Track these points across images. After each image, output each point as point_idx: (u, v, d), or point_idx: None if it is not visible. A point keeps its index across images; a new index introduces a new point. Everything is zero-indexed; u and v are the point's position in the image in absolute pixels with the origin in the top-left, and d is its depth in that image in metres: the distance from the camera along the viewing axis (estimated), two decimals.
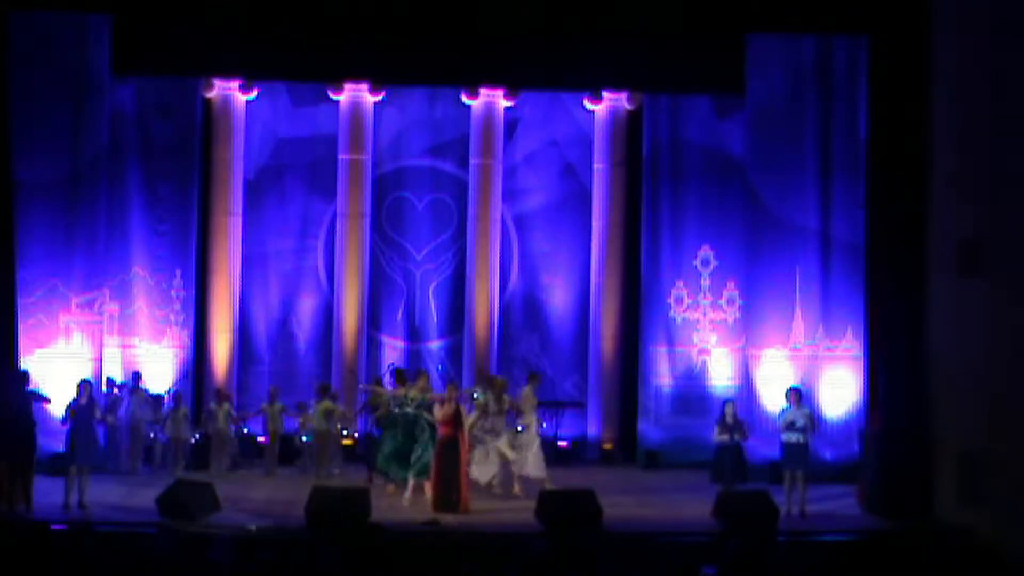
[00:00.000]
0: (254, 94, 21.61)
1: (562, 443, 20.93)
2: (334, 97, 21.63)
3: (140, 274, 21.08)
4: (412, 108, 22.39)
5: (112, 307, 20.66)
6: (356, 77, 21.27)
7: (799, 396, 17.46)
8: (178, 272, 21.20)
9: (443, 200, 22.41)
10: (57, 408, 17.38)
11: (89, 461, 16.88)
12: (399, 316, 22.35)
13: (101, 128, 19.80)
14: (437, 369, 21.83)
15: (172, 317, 21.16)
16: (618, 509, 16.65)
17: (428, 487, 17.11)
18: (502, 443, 17.97)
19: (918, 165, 17.69)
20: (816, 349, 19.99)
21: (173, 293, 21.17)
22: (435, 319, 22.37)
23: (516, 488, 17.94)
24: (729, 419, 17.78)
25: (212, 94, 21.39)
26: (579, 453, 21.48)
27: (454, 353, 22.25)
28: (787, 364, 19.97)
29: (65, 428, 16.88)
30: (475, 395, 18.55)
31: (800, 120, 20.14)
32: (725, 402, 18.31)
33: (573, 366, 22.35)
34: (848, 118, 19.94)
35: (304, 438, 19.92)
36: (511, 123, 22.21)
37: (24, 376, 17.17)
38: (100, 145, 19.79)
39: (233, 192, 21.55)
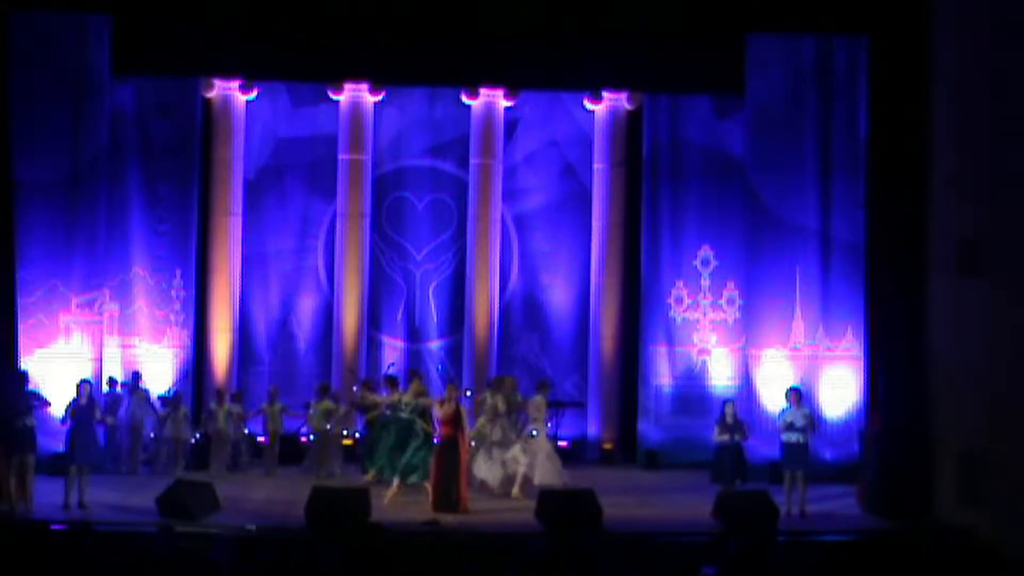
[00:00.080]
0: (254, 94, 21.61)
1: (562, 443, 20.88)
2: (334, 97, 21.63)
3: (140, 274, 21.08)
4: (412, 108, 22.39)
5: (112, 307, 20.67)
6: (356, 77, 21.27)
7: (799, 396, 17.46)
8: (178, 272, 21.21)
9: (443, 200, 22.41)
10: (57, 408, 17.38)
11: (89, 461, 16.89)
12: (399, 316, 22.35)
13: (101, 128, 19.81)
14: (437, 369, 21.84)
15: (172, 317, 21.16)
16: (618, 509, 16.65)
17: (428, 487, 17.10)
18: (516, 452, 17.92)
19: (918, 165, 17.70)
20: (816, 349, 19.99)
21: (173, 293, 21.17)
22: (435, 319, 22.37)
23: (516, 490, 17.91)
24: (729, 419, 17.79)
25: (212, 94, 21.39)
26: (579, 453, 21.48)
27: (454, 353, 22.25)
28: (787, 364, 19.98)
29: (65, 428, 16.89)
30: (467, 392, 18.52)
31: (800, 120, 20.15)
32: (725, 402, 18.31)
33: (573, 366, 22.35)
34: (848, 118, 19.95)
35: (313, 436, 19.86)
36: (511, 123, 22.21)
37: (24, 376, 17.19)
38: (100, 145, 19.79)
39: (233, 192, 21.55)
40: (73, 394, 16.84)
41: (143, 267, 21.10)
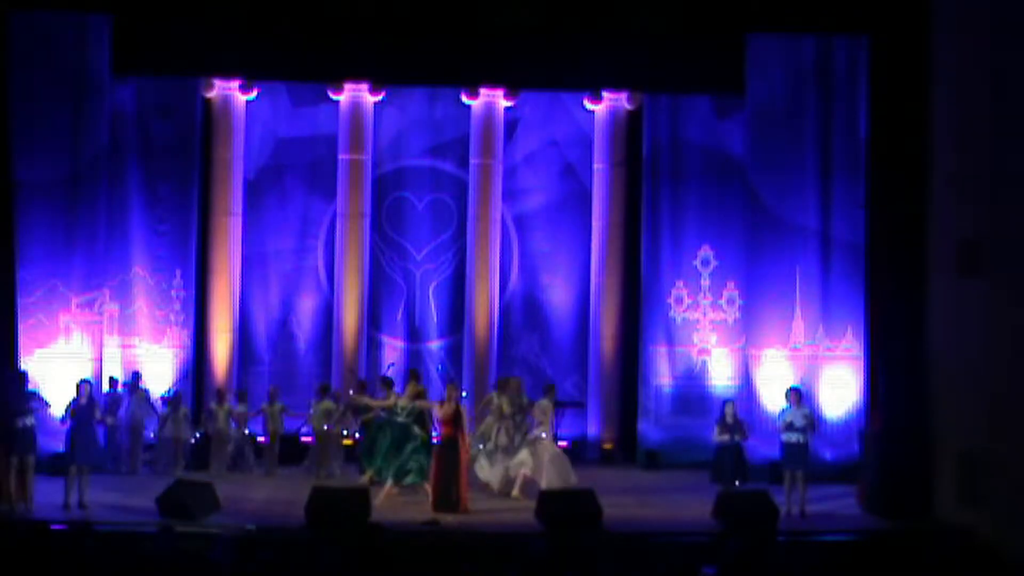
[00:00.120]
0: (254, 94, 21.61)
1: (562, 443, 20.83)
2: (334, 97, 21.62)
3: (140, 274, 21.08)
4: (412, 108, 22.39)
5: (112, 307, 20.66)
6: (356, 77, 21.26)
7: (799, 396, 17.47)
8: (178, 272, 21.20)
9: (443, 200, 22.41)
10: (57, 408, 17.39)
11: (89, 461, 16.89)
12: (399, 316, 22.35)
13: (101, 128, 19.81)
14: (437, 369, 21.84)
15: (172, 317, 21.16)
16: (618, 509, 16.65)
17: (427, 488, 17.10)
18: (522, 456, 17.88)
19: (918, 165, 17.70)
20: (816, 349, 19.99)
21: (173, 293, 21.17)
22: (435, 319, 22.37)
23: (516, 491, 17.91)
24: (729, 419, 17.80)
25: (212, 94, 21.39)
26: (579, 453, 21.43)
27: (454, 353, 22.25)
28: (787, 364, 19.98)
29: (65, 428, 16.89)
30: (464, 394, 18.48)
31: (800, 120, 20.15)
32: (725, 402, 18.33)
33: (573, 366, 22.34)
34: (848, 118, 19.95)
35: (326, 427, 19.76)
36: (511, 123, 22.21)
37: (23, 377, 17.19)
38: (100, 145, 19.80)
39: (233, 192, 21.55)
40: (73, 394, 16.84)
41: (143, 267, 21.10)
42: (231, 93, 21.40)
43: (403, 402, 17.60)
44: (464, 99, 21.80)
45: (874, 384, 18.54)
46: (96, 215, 19.79)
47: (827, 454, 19.47)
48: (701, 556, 12.92)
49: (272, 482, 19.30)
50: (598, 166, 22.14)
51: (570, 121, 22.48)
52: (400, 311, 22.33)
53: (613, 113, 21.96)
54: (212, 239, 21.45)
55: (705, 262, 21.66)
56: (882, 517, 17.06)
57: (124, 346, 20.87)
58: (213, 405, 20.16)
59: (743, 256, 20.66)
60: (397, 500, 17.28)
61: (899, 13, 17.95)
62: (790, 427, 17.16)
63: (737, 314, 21.39)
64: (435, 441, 17.58)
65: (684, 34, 20.03)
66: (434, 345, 22.37)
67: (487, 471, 18.20)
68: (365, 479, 17.97)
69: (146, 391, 20.14)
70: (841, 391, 19.87)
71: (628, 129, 21.99)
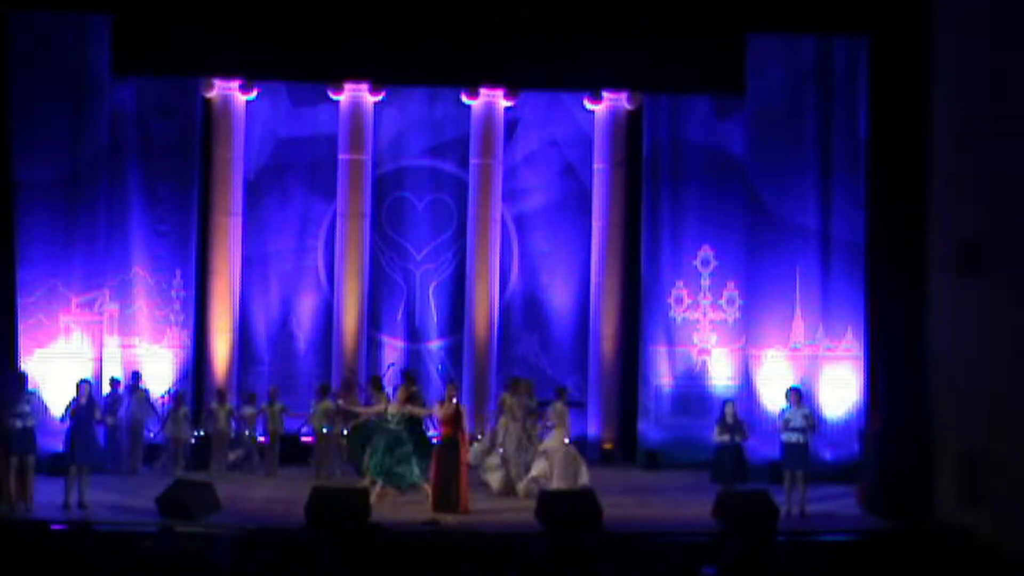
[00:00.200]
0: (254, 94, 21.60)
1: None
2: (334, 97, 21.62)
3: (140, 274, 21.07)
4: (412, 108, 22.38)
5: (112, 307, 20.65)
6: (356, 77, 21.26)
7: (799, 396, 17.47)
8: (178, 272, 21.19)
9: (443, 200, 22.41)
10: (57, 408, 17.38)
11: (89, 461, 16.90)
12: (399, 316, 22.35)
13: (101, 128, 19.81)
14: (437, 369, 21.86)
15: (172, 317, 21.15)
16: (618, 509, 16.65)
17: (427, 488, 17.09)
18: (540, 471, 17.83)
19: (918, 165, 17.71)
20: (816, 349, 19.99)
21: (173, 293, 21.16)
22: (435, 319, 22.37)
23: (522, 492, 17.90)
24: (729, 419, 17.79)
25: (212, 94, 21.38)
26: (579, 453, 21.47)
27: (454, 353, 22.24)
28: (787, 364, 19.98)
29: (65, 428, 16.89)
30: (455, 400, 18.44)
31: (800, 120, 20.15)
32: (725, 402, 18.33)
33: (573, 366, 22.34)
34: (848, 118, 19.95)
35: (324, 429, 19.76)
36: (511, 123, 22.20)
37: (23, 377, 17.18)
38: (100, 145, 19.80)
39: (233, 192, 21.55)
40: (73, 394, 16.84)
41: (143, 267, 21.09)
42: (231, 93, 21.39)
43: (393, 408, 17.49)
44: (464, 99, 21.79)
45: (874, 384, 18.55)
46: (96, 215, 19.79)
47: (827, 454, 19.46)
48: (701, 556, 12.92)
49: (272, 482, 19.30)
50: (598, 166, 22.13)
51: (570, 121, 22.47)
52: (400, 311, 22.33)
53: (613, 113, 21.96)
54: (212, 239, 21.45)
55: (705, 262, 21.66)
56: (882, 517, 17.07)
57: (124, 346, 20.86)
58: (213, 405, 20.16)
59: (743, 256, 20.66)
60: (397, 500, 17.28)
61: (899, 13, 17.96)
62: (790, 427, 17.16)
63: (737, 314, 21.38)
64: (434, 441, 17.58)
65: (684, 34, 20.03)
66: (434, 345, 22.36)
67: (491, 473, 18.21)
68: (366, 483, 17.93)
69: (146, 391, 20.13)
70: (841, 391, 19.86)
71: (628, 129, 21.99)
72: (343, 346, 21.57)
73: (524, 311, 22.46)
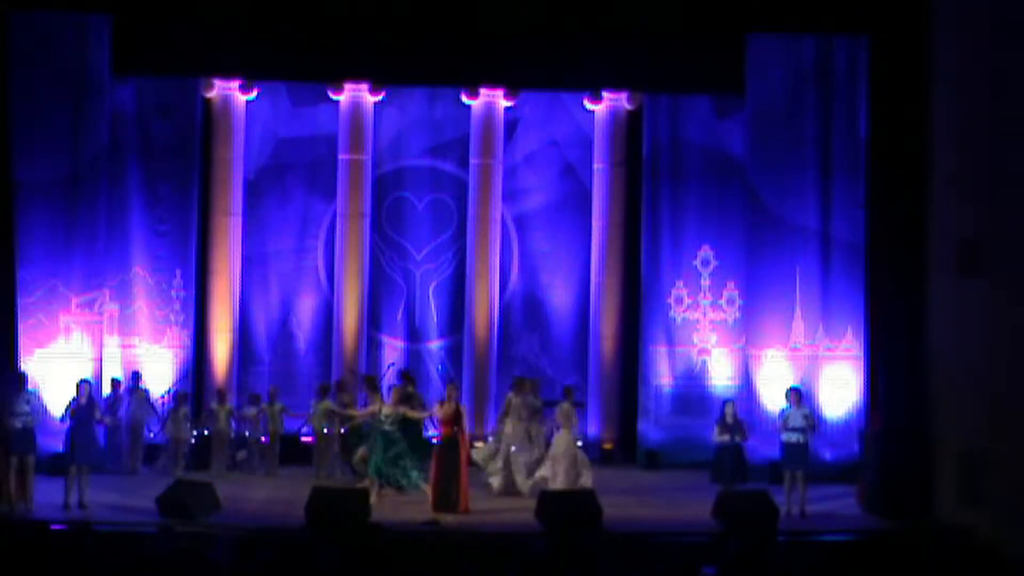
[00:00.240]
0: (254, 94, 21.60)
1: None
2: (334, 97, 21.62)
3: (140, 274, 21.07)
4: (412, 108, 22.38)
5: (112, 307, 20.65)
6: (356, 77, 21.26)
7: (799, 396, 17.47)
8: (178, 272, 21.19)
9: (443, 200, 22.41)
10: (57, 408, 17.38)
11: (89, 461, 16.90)
12: (399, 316, 22.35)
13: (101, 128, 19.81)
14: (437, 369, 21.86)
15: (172, 317, 21.15)
16: (618, 509, 16.65)
17: (428, 488, 17.09)
18: (545, 472, 17.84)
19: (918, 165, 17.71)
20: (816, 349, 19.99)
21: (173, 293, 21.16)
22: (435, 319, 22.37)
23: (526, 490, 17.92)
24: (729, 419, 17.79)
25: (212, 94, 21.38)
26: None
27: (454, 353, 22.25)
28: (787, 364, 19.97)
29: (65, 428, 16.89)
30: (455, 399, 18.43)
31: (800, 120, 20.15)
32: (725, 402, 18.33)
33: (573, 366, 22.33)
34: (848, 118, 19.95)
35: (324, 429, 19.72)
36: (511, 123, 22.21)
37: (23, 378, 17.18)
38: (100, 145, 19.80)
39: (233, 192, 21.55)
40: (73, 394, 16.84)
41: (143, 267, 21.09)
42: (231, 93, 21.39)
43: (387, 409, 17.47)
44: (464, 99, 21.79)
45: (874, 384, 18.54)
46: (96, 215, 19.80)
47: (827, 454, 19.47)
48: (701, 556, 12.92)
49: (272, 482, 19.30)
50: (598, 166, 22.13)
51: (570, 121, 22.47)
52: (400, 311, 22.33)
53: (613, 113, 21.96)
54: (212, 239, 21.45)
55: (705, 262, 21.66)
56: (882, 517, 17.07)
57: (124, 346, 20.86)
58: (214, 405, 20.16)
59: (743, 256, 20.66)
60: (397, 500, 17.28)
61: (899, 13, 17.96)
62: (790, 427, 17.16)
63: (737, 314, 21.38)
64: (434, 441, 17.58)
65: (684, 34, 20.03)
66: (434, 345, 22.36)
67: (494, 474, 18.21)
68: (366, 483, 17.93)
69: (146, 391, 20.14)
70: (841, 391, 19.87)
71: (628, 129, 21.98)
72: (343, 346, 21.57)
73: (524, 311, 22.47)
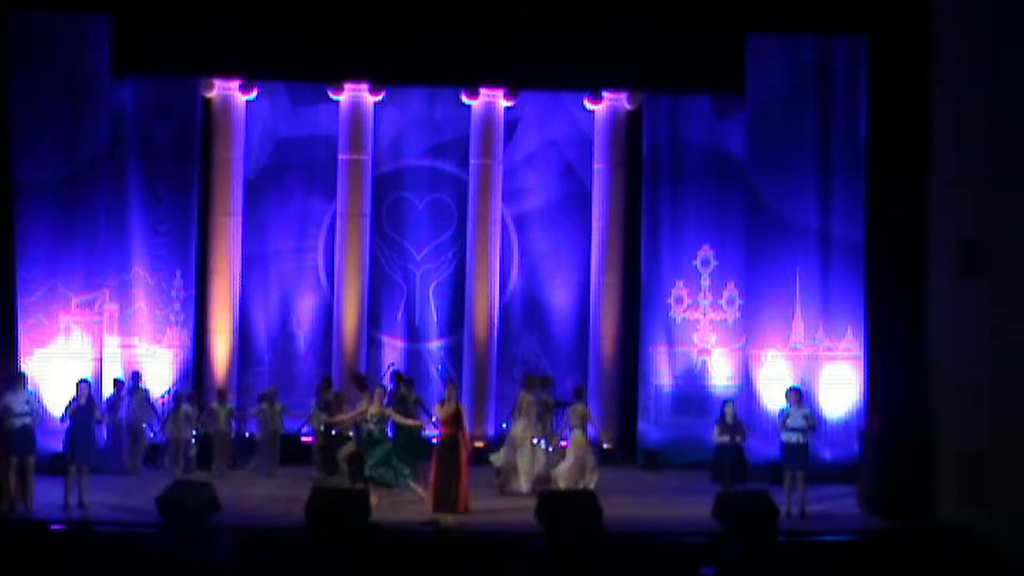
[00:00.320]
0: (254, 94, 21.60)
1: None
2: (334, 97, 21.62)
3: (140, 274, 21.08)
4: (412, 108, 22.39)
5: (112, 307, 20.65)
6: (356, 77, 21.26)
7: (799, 396, 17.47)
8: (178, 272, 21.20)
9: (443, 200, 22.41)
10: (57, 408, 17.38)
11: (89, 461, 16.90)
12: (399, 316, 22.35)
13: (101, 128, 19.81)
14: (437, 369, 21.85)
15: (172, 317, 21.16)
16: (618, 509, 16.60)
17: (419, 489, 17.07)
18: (563, 472, 17.88)
19: (918, 165, 17.70)
20: (816, 349, 19.99)
21: (173, 293, 21.17)
22: (435, 319, 22.37)
23: (526, 487, 17.96)
24: (729, 419, 17.78)
25: (212, 94, 21.38)
26: None
27: (454, 353, 22.25)
28: (787, 364, 19.97)
29: (65, 428, 16.88)
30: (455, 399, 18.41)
31: (800, 120, 20.15)
32: (725, 402, 18.31)
33: (573, 366, 22.33)
34: (848, 118, 19.95)
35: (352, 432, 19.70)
36: (511, 123, 22.21)
37: (23, 378, 17.18)
38: (100, 145, 19.80)
39: (233, 192, 21.55)
40: (73, 394, 16.84)
41: (143, 267, 21.10)
42: (231, 93, 21.39)
43: (373, 409, 17.43)
44: (464, 99, 21.79)
45: (874, 384, 18.53)
46: (96, 215, 19.79)
47: (827, 454, 19.47)
48: (701, 556, 12.94)
49: (272, 482, 19.29)
50: (598, 166, 22.13)
51: (570, 121, 22.47)
52: (400, 311, 22.33)
53: (613, 113, 21.96)
54: (212, 239, 21.45)
55: (705, 262, 21.66)
56: (882, 517, 17.06)
57: (124, 346, 20.87)
58: (214, 405, 20.16)
59: (743, 256, 20.66)
60: (397, 500, 17.27)
61: (899, 13, 17.95)
62: (790, 427, 17.15)
63: (737, 314, 21.39)
64: (434, 441, 17.57)
65: (684, 34, 20.03)
66: (434, 345, 22.37)
67: (518, 477, 18.25)
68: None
69: (146, 391, 20.14)
70: (841, 391, 19.86)
71: (628, 129, 21.99)
72: (343, 346, 21.57)
73: (524, 311, 22.47)
